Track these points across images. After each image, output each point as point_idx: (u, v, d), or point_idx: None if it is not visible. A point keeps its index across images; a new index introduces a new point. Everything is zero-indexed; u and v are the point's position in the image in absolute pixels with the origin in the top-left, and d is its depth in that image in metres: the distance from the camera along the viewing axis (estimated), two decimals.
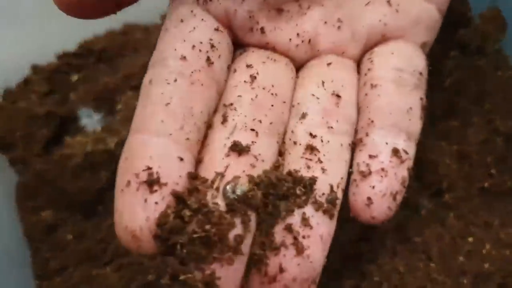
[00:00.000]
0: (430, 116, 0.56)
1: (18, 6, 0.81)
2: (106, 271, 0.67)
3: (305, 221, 0.43)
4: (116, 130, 0.78)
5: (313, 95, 0.50)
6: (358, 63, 0.55)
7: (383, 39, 0.53)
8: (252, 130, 0.46)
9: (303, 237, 0.43)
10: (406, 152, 0.47)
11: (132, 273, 0.66)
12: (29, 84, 0.83)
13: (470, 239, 0.66)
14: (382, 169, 0.46)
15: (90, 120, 0.82)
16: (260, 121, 0.47)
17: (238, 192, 0.42)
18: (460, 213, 0.67)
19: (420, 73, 0.52)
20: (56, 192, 0.75)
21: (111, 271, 0.67)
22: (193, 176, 0.43)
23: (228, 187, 0.42)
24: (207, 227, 0.40)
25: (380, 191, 0.45)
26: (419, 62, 0.53)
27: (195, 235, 0.39)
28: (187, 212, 0.40)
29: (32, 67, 0.84)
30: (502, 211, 0.68)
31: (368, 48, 0.54)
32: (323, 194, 0.45)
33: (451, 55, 0.73)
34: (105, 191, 0.75)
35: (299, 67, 0.55)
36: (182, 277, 0.39)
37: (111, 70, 0.85)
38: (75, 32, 0.85)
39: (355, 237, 0.66)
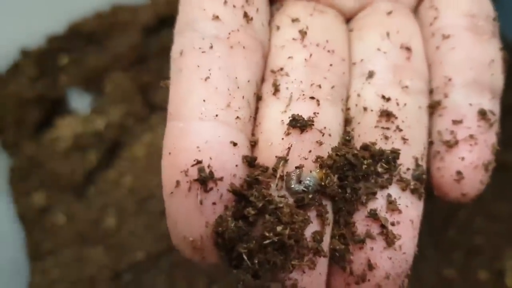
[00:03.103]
0: None
1: None
2: (96, 251, 0.68)
3: (392, 205, 0.36)
4: (105, 111, 0.78)
5: (378, 49, 0.42)
6: (415, 12, 0.46)
7: None
8: (312, 98, 0.37)
9: (392, 224, 0.35)
10: (493, 113, 0.40)
11: (121, 252, 0.67)
12: (18, 68, 0.83)
13: (461, 212, 0.65)
14: (471, 136, 0.38)
15: (80, 102, 0.82)
16: (320, 86, 0.38)
17: (308, 182, 0.34)
18: None
19: (494, 19, 0.43)
20: (48, 174, 0.76)
21: (102, 251, 0.68)
22: (251, 163, 0.35)
23: (292, 180, 0.34)
24: (279, 229, 0.32)
25: (471, 162, 0.38)
26: (489, 6, 0.44)
27: (266, 241, 0.32)
28: (251, 211, 0.33)
29: (21, 51, 0.84)
30: (494, 185, 0.66)
31: None
32: (408, 169, 0.37)
33: None
34: (95, 172, 0.75)
35: (347, 19, 0.46)
36: None
37: (100, 52, 0.84)
38: (63, 14, 0.85)
39: None
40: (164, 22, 0.84)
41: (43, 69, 0.83)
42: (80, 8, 0.86)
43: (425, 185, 0.38)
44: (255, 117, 0.37)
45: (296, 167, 0.34)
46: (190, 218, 0.33)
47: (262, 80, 0.40)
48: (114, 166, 0.76)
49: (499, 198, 0.65)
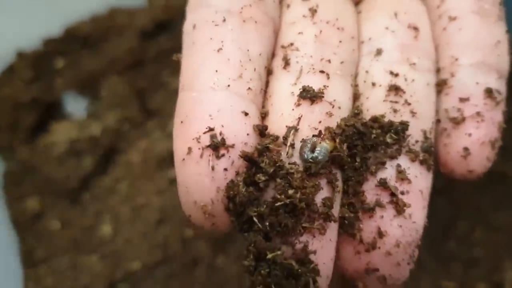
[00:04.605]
0: None
1: None
2: (91, 259, 0.67)
3: (401, 174, 0.37)
4: (101, 116, 0.77)
5: (386, 28, 0.43)
6: None
7: None
8: (322, 72, 0.39)
9: (402, 193, 0.36)
10: (499, 92, 0.41)
11: (117, 261, 0.66)
12: (14, 71, 0.82)
13: (461, 224, 0.64)
14: (478, 113, 0.39)
15: (76, 106, 0.81)
16: (329, 61, 0.40)
17: (319, 153, 0.34)
18: (450, 196, 0.66)
19: (500, 3, 0.45)
20: (42, 180, 0.74)
21: (97, 259, 0.67)
22: (262, 132, 0.36)
23: (306, 147, 0.35)
24: (290, 192, 0.33)
25: (478, 139, 0.38)
26: None
27: (278, 204, 0.33)
28: (261, 177, 0.33)
29: (17, 53, 0.82)
30: (493, 196, 0.66)
31: None
32: (417, 141, 0.38)
33: None
34: (90, 178, 0.74)
35: (356, 2, 0.48)
36: (269, 256, 0.32)
37: (96, 55, 0.83)
38: (59, 17, 0.84)
39: None
40: (161, 27, 0.83)
41: (38, 72, 0.82)
42: (76, 11, 0.85)
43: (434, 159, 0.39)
44: (265, 91, 0.39)
45: (313, 135, 0.35)
46: (202, 183, 0.33)
47: (273, 55, 0.41)
48: (109, 172, 0.75)
49: (498, 210, 0.64)
